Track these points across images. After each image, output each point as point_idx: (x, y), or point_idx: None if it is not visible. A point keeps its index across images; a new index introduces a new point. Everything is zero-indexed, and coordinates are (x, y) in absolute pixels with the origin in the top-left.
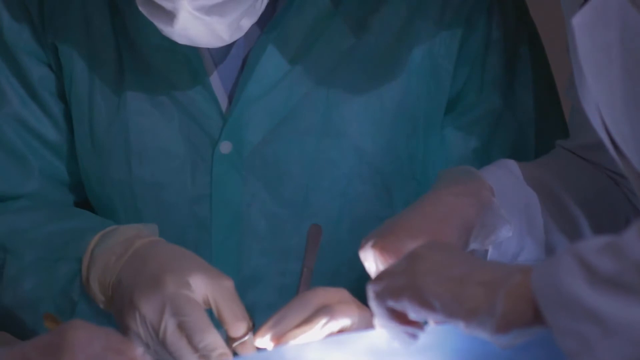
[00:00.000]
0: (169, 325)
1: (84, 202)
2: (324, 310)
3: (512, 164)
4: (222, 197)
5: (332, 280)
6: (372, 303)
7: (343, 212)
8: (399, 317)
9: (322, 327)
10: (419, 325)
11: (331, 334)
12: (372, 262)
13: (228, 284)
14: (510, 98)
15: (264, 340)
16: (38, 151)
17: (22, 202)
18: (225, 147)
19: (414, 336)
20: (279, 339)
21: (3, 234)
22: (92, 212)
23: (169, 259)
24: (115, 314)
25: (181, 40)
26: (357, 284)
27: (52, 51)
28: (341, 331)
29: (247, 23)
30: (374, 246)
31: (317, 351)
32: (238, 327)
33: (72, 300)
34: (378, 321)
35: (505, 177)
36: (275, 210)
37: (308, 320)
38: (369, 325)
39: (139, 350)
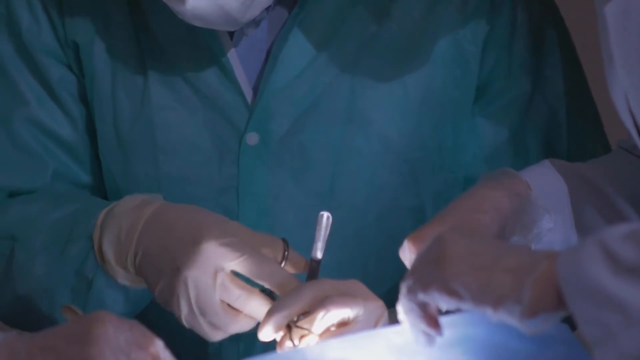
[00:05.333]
0: (225, 279)
1: None
2: (322, 302)
3: (554, 162)
4: (249, 188)
5: (361, 270)
6: (403, 299)
7: (369, 201)
8: (428, 314)
9: (321, 319)
10: (439, 328)
11: (332, 326)
12: (407, 257)
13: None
14: (540, 81)
15: (267, 331)
16: (54, 153)
17: (33, 194)
18: (251, 138)
19: (433, 338)
20: (278, 329)
21: (12, 224)
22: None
23: (195, 219)
24: (152, 287)
25: (195, 21)
26: (386, 274)
27: (73, 50)
28: (343, 323)
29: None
30: (407, 239)
31: (338, 350)
32: (275, 246)
33: (88, 279)
34: (407, 318)
35: (546, 174)
36: (302, 200)
37: (307, 312)
38: (376, 317)
39: (160, 344)
